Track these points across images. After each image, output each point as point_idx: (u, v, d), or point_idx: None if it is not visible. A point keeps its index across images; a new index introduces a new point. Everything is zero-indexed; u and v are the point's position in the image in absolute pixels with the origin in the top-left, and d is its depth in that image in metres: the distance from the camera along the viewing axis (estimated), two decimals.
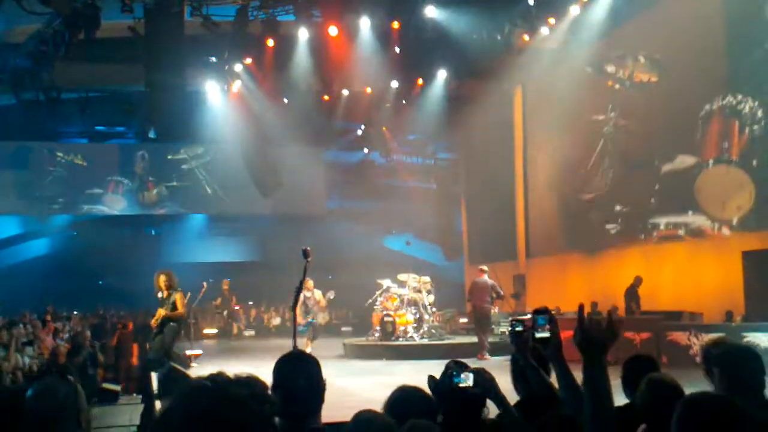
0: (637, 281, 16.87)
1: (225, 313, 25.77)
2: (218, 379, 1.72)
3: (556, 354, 3.17)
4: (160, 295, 12.36)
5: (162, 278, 12.40)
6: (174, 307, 12.17)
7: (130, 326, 14.17)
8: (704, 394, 2.71)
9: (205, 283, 16.12)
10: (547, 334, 3.19)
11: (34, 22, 15.97)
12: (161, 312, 12.18)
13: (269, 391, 1.78)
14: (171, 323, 12.21)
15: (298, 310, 16.15)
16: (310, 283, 16.07)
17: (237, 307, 26.71)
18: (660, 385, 3.51)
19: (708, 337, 13.71)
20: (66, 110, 21.24)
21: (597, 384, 2.70)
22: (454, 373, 3.65)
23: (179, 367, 12.26)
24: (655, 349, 14.45)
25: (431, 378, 3.77)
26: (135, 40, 16.35)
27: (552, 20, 18.05)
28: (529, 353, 3.72)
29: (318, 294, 16.49)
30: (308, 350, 16.21)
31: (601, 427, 2.66)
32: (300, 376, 3.07)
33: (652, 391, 3.49)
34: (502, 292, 17.30)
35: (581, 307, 2.86)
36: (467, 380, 3.62)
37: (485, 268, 17.58)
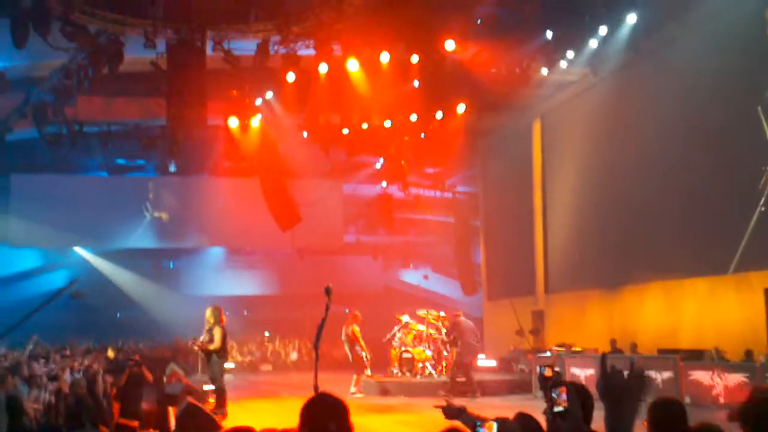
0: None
1: None
2: None
3: (576, 426, 3.09)
4: (208, 327, 13.50)
5: (209, 312, 13.60)
6: (211, 340, 13.26)
7: (146, 373, 14.08)
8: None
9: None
10: (562, 409, 3.13)
11: (59, 58, 16.18)
12: (199, 342, 13.53)
13: None
14: (215, 357, 13.38)
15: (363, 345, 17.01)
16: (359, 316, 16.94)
17: None
18: None
19: (731, 376, 13.53)
20: (88, 144, 21.45)
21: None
22: (477, 423, 3.59)
23: (197, 402, 12.22)
24: (676, 388, 14.25)
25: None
26: (157, 74, 16.52)
27: (570, 53, 18.08)
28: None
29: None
30: (354, 387, 16.68)
31: None
32: (330, 420, 3.02)
33: None
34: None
35: (604, 356, 2.79)
36: (490, 430, 3.56)
37: (459, 312, 17.92)
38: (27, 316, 13.78)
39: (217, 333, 13.30)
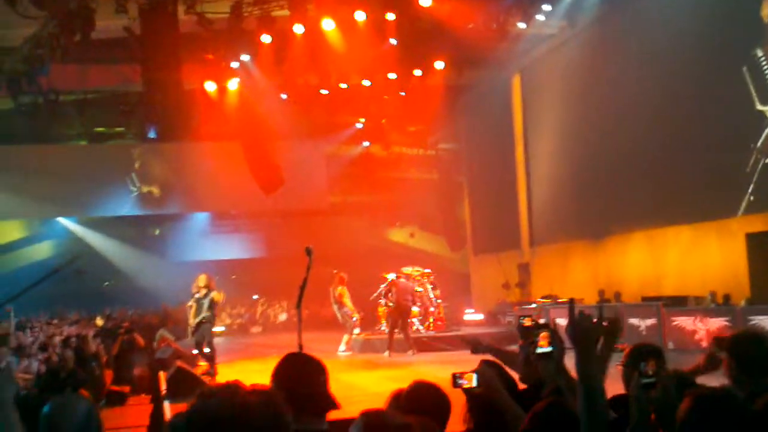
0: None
1: None
2: (234, 389, 1.76)
3: (558, 367, 3.15)
4: (197, 294, 13.76)
5: (202, 279, 13.84)
6: (211, 304, 13.63)
7: (138, 338, 14.17)
8: (712, 391, 2.70)
9: None
10: (548, 349, 3.17)
11: (29, 26, 15.92)
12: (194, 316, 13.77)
13: (283, 402, 1.81)
14: (206, 324, 13.70)
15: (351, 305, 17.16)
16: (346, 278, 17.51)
17: None
18: (715, 405, 2.75)
19: (713, 320, 13.75)
20: (65, 112, 21.22)
21: (589, 377, 2.68)
22: (457, 374, 3.65)
23: (187, 367, 12.33)
24: (659, 334, 14.47)
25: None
26: (131, 40, 16.31)
27: (547, 6, 17.98)
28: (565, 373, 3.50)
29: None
30: (343, 345, 16.89)
31: (594, 418, 2.64)
32: (306, 379, 3.06)
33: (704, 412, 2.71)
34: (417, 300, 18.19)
35: (571, 301, 2.84)
36: (470, 381, 3.62)
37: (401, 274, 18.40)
38: (26, 289, 13.72)
39: (216, 296, 13.78)
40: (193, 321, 13.99)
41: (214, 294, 13.77)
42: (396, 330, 17.10)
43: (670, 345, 14.21)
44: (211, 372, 13.29)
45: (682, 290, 15.76)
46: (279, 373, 3.12)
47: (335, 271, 18.26)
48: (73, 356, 10.82)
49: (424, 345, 16.96)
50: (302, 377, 3.11)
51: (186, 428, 1.69)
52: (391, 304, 17.51)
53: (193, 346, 14.28)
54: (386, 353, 16.35)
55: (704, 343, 13.71)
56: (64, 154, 25.19)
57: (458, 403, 3.68)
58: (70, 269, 19.08)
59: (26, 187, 23.13)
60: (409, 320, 17.39)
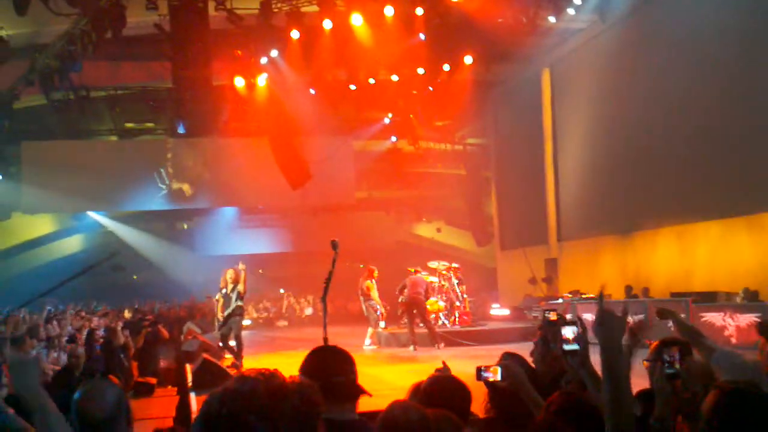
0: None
1: None
2: (272, 374, 1.77)
3: (583, 363, 3.15)
4: (224, 290, 14.07)
5: (230, 273, 14.08)
6: (238, 296, 13.91)
7: (162, 331, 14.33)
8: (741, 385, 2.67)
9: None
10: (575, 347, 3.17)
11: (62, 23, 16.14)
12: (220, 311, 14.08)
13: (317, 391, 1.84)
14: (236, 317, 13.96)
15: (378, 299, 17.28)
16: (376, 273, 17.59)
17: None
18: (743, 399, 2.62)
19: (743, 317, 13.61)
20: (96, 109, 21.48)
21: (612, 367, 2.68)
22: (481, 368, 3.67)
23: (213, 359, 12.46)
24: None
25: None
26: (161, 36, 16.46)
27: (577, 0, 17.85)
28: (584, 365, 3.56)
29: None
30: (368, 339, 16.98)
31: (618, 408, 2.64)
32: (333, 373, 3.10)
33: (732, 406, 2.61)
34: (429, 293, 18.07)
35: (601, 295, 2.84)
36: (495, 374, 3.64)
37: (419, 269, 18.30)
38: (61, 283, 13.93)
39: (242, 285, 13.99)
40: (220, 315, 14.13)
41: (239, 287, 13.98)
42: (417, 324, 17.12)
43: None
44: (237, 365, 13.41)
45: (711, 286, 15.61)
46: (308, 365, 3.17)
47: (361, 266, 18.34)
48: (85, 353, 10.90)
49: (449, 339, 16.99)
50: (330, 367, 3.16)
51: (219, 406, 1.71)
52: (402, 299, 17.57)
53: (219, 339, 14.42)
54: (411, 348, 16.38)
55: (734, 340, 13.58)
56: (94, 150, 25.47)
57: (478, 393, 3.72)
58: (108, 265, 19.34)
59: (57, 182, 23.41)
60: (426, 314, 17.36)
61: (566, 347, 3.19)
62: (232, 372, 12.04)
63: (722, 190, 15.90)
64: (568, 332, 3.20)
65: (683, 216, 17.09)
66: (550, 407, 3.05)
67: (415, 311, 17.01)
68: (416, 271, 17.95)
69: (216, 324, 15.00)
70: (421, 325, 17.20)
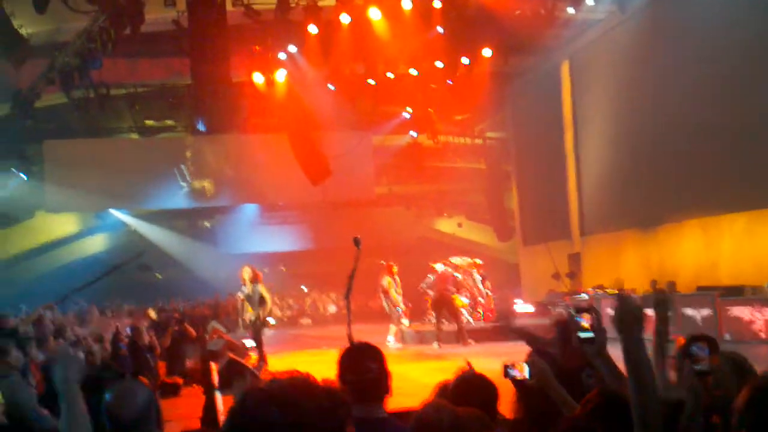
0: None
1: None
2: (299, 378, 1.77)
3: (600, 352, 3.08)
4: (244, 289, 14.15)
5: (246, 272, 14.09)
6: (262, 300, 13.93)
7: (189, 329, 14.35)
8: None
9: None
10: (590, 335, 3.08)
11: (81, 21, 16.17)
12: (250, 309, 14.05)
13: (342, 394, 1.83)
14: (259, 323, 14.04)
15: (397, 296, 17.22)
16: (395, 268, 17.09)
17: None
18: None
19: None
20: (115, 106, 21.55)
21: (635, 361, 2.64)
22: (508, 365, 3.61)
23: (238, 358, 12.42)
24: (714, 325, 14.12)
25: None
26: (179, 33, 16.47)
27: None
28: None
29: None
30: (391, 336, 16.94)
31: (644, 402, 2.59)
32: (368, 367, 3.12)
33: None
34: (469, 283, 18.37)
35: (620, 291, 2.79)
36: (522, 371, 3.57)
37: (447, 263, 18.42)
38: (89, 283, 14.02)
39: (264, 291, 14.02)
40: (246, 316, 14.17)
41: (261, 289, 13.98)
42: (444, 321, 17.01)
43: (727, 336, 13.87)
44: (260, 364, 13.37)
45: (738, 279, 15.35)
46: (339, 365, 3.18)
47: (382, 262, 18.26)
48: (100, 351, 10.86)
49: (473, 335, 16.86)
50: (355, 366, 3.19)
51: (249, 408, 1.68)
52: (430, 292, 17.45)
53: (242, 337, 14.40)
54: (435, 344, 16.28)
55: (762, 334, 13.36)
56: (116, 148, 25.59)
57: (505, 392, 3.64)
58: (135, 264, 19.40)
59: (80, 181, 23.52)
60: (455, 310, 17.22)
61: (582, 335, 3.11)
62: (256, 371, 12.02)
63: (747, 181, 15.64)
64: (584, 320, 3.12)
65: (708, 208, 16.83)
66: (588, 405, 2.98)
67: (445, 308, 16.94)
68: (447, 265, 17.91)
69: (240, 323, 15.02)
70: (446, 321, 17.08)
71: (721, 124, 16.14)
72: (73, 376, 3.11)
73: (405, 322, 17.88)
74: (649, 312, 2.86)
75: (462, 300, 18.48)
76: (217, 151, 25.47)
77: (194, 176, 25.20)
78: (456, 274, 18.64)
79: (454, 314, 17.00)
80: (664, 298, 3.20)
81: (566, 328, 4.80)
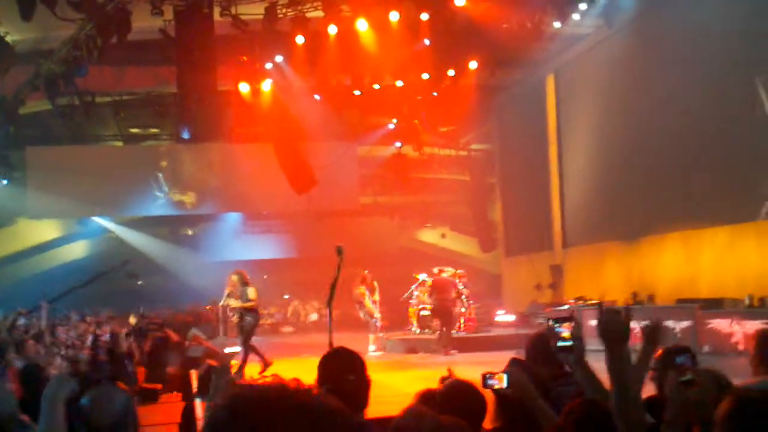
0: None
1: None
2: (279, 382, 1.73)
3: (578, 361, 3.12)
4: (228, 295, 14.06)
5: (234, 278, 14.01)
6: (248, 299, 13.79)
7: (170, 335, 14.29)
8: (756, 392, 2.64)
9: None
10: (569, 343, 3.13)
11: (67, 29, 16.15)
12: (233, 303, 13.93)
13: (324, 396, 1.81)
14: (249, 318, 13.81)
15: (371, 305, 17.17)
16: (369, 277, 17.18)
17: None
18: (759, 407, 2.55)
19: (750, 323, 13.52)
20: (100, 114, 21.50)
21: (619, 372, 2.69)
22: (487, 375, 3.62)
23: (217, 364, 12.39)
24: (694, 337, 14.24)
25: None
26: (166, 42, 16.47)
27: (583, 5, 17.81)
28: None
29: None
30: (372, 346, 16.91)
31: (627, 412, 2.62)
32: (348, 373, 3.10)
33: (746, 415, 2.52)
34: (464, 291, 18.18)
35: (601, 303, 2.85)
36: (501, 381, 3.58)
37: (444, 269, 18.41)
38: (71, 289, 13.89)
39: (252, 291, 13.91)
40: (236, 318, 14.17)
41: (249, 290, 13.94)
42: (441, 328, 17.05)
43: (706, 348, 14.01)
44: (240, 372, 13.33)
45: (718, 292, 15.52)
46: (324, 367, 3.20)
47: (366, 272, 18.29)
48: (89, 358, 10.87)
49: (454, 345, 16.91)
50: (348, 370, 3.21)
51: (226, 413, 1.69)
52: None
53: (223, 344, 14.40)
54: (453, 352, 16.27)
55: (741, 346, 13.49)
56: (99, 155, 25.48)
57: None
58: (121, 272, 19.29)
59: (62, 187, 23.41)
60: (450, 320, 17.26)
61: (561, 344, 3.16)
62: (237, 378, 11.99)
63: (729, 195, 15.82)
64: (564, 329, 3.17)
65: (689, 222, 17.01)
66: (571, 415, 3.01)
67: (444, 316, 16.98)
68: (440, 271, 17.93)
69: (221, 330, 15.00)
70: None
71: (704, 138, 16.34)
72: (61, 396, 3.13)
73: (380, 334, 17.92)
74: (634, 325, 2.90)
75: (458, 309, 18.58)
76: (201, 160, 25.43)
77: (172, 186, 25.11)
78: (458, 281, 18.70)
79: (449, 323, 17.02)
80: (656, 329, 3.20)
81: (540, 340, 4.86)
